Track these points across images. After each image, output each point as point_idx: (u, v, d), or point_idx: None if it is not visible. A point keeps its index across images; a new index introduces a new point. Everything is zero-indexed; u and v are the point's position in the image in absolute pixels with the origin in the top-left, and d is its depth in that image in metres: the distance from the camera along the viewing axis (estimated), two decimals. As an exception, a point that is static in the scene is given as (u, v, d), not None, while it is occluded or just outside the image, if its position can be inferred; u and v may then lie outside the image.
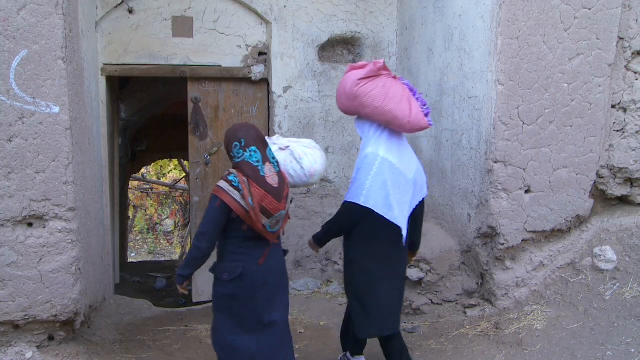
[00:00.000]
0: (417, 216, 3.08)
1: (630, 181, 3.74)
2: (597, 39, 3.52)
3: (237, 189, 2.61)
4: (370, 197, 2.90)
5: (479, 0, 3.64)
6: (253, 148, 2.67)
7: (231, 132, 2.73)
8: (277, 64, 4.93)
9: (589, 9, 3.48)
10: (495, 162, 3.54)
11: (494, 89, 3.51)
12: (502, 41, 3.44)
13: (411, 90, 3.05)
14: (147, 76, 5.08)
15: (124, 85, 6.21)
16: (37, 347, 3.09)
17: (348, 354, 3.33)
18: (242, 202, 2.59)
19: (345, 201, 3.04)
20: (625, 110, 3.69)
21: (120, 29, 4.63)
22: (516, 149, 3.55)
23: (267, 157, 2.71)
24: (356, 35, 5.09)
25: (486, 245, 3.76)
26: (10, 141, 2.89)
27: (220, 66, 4.91)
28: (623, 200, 3.83)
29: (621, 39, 3.60)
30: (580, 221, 3.75)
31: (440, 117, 4.28)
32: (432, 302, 3.99)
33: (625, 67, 3.65)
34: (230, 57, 4.92)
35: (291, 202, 2.90)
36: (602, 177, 3.74)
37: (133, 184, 13.31)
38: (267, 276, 2.73)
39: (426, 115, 3.03)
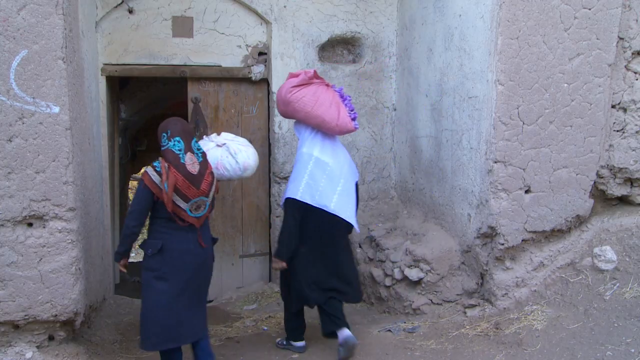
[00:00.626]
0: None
1: (630, 181, 3.74)
2: (597, 39, 3.52)
3: (159, 173, 2.94)
4: (306, 192, 3.35)
5: (479, 0, 3.64)
6: (177, 138, 3.01)
7: (162, 125, 3.08)
8: (277, 64, 4.93)
9: (589, 9, 3.48)
10: (495, 162, 3.54)
11: (494, 89, 3.51)
12: (502, 41, 3.44)
13: (341, 96, 3.50)
14: (147, 76, 5.08)
15: (124, 85, 6.20)
16: (37, 347, 3.09)
17: (284, 340, 3.74)
18: (161, 186, 2.92)
19: (286, 198, 3.42)
20: (625, 110, 3.69)
21: (120, 29, 4.63)
22: (516, 149, 3.55)
23: (190, 147, 3.04)
24: (356, 35, 5.09)
25: (486, 245, 3.76)
26: (10, 141, 2.89)
27: (220, 66, 4.91)
28: (623, 200, 3.83)
29: (621, 39, 3.60)
30: (580, 221, 3.75)
31: (440, 117, 4.28)
32: (432, 302, 3.99)
33: (625, 67, 3.65)
34: (230, 57, 4.92)
35: (217, 192, 3.22)
36: (602, 177, 3.74)
37: (133, 184, 13.28)
38: (186, 256, 3.01)
39: (353, 119, 3.47)
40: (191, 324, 3.09)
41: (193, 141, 3.08)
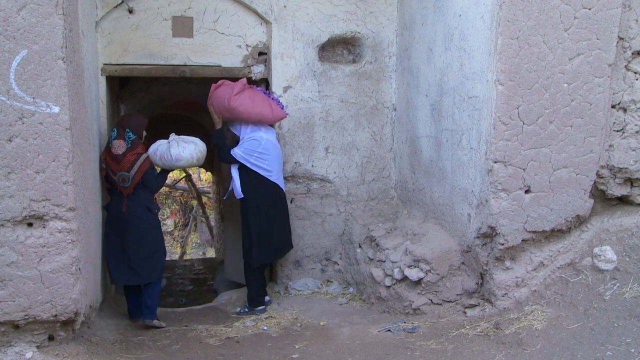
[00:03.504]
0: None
1: (630, 181, 3.74)
2: (597, 39, 3.52)
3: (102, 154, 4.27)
4: (254, 165, 4.53)
5: (479, 0, 3.64)
6: (115, 129, 4.23)
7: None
8: (277, 64, 4.93)
9: (589, 9, 3.48)
10: (495, 162, 3.54)
11: (494, 89, 3.51)
12: (502, 41, 3.44)
13: (267, 94, 4.66)
14: (147, 76, 5.08)
15: (124, 85, 6.20)
16: (37, 347, 3.09)
17: (247, 307, 4.74)
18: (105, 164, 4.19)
19: (231, 152, 4.54)
20: (625, 110, 3.69)
21: (120, 29, 4.63)
22: (516, 149, 3.55)
23: (123, 136, 4.18)
24: (356, 35, 5.09)
25: (486, 245, 3.76)
26: (10, 141, 2.89)
27: (220, 66, 4.91)
28: (623, 200, 3.83)
29: (621, 39, 3.60)
30: (580, 221, 3.75)
31: (440, 117, 4.28)
32: (432, 302, 3.99)
33: (625, 67, 3.65)
34: (230, 57, 4.92)
35: (141, 172, 4.21)
36: (602, 177, 3.74)
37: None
38: (119, 215, 4.20)
39: (282, 108, 4.67)
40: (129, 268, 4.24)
41: (128, 132, 4.19)
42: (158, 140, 4.42)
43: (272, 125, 4.76)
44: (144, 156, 4.24)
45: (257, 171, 4.53)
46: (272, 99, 4.61)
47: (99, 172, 4.20)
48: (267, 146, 4.54)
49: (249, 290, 4.73)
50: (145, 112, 7.13)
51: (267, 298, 4.82)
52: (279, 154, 4.72)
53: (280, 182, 4.72)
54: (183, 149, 4.30)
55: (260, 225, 4.58)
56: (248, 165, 4.50)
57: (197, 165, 4.52)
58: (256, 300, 4.68)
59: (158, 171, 4.52)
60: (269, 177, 4.58)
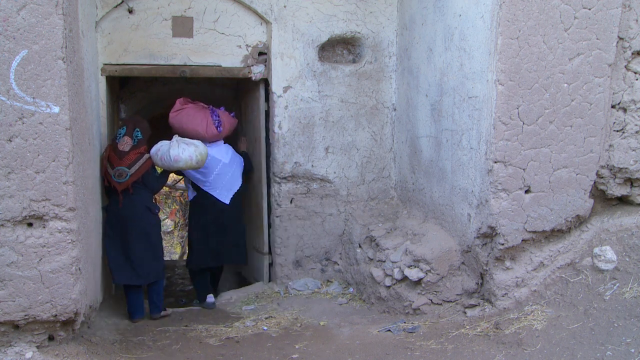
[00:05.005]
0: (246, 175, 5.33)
1: (630, 181, 3.74)
2: (597, 39, 3.52)
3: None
4: (189, 174, 4.95)
5: (479, 0, 3.64)
6: (124, 127, 4.41)
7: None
8: (277, 64, 4.93)
9: (589, 9, 3.48)
10: (495, 162, 3.54)
11: (494, 89, 3.51)
12: (502, 41, 3.44)
13: (212, 111, 4.95)
14: (147, 76, 5.08)
15: (123, 85, 6.20)
16: (37, 347, 3.09)
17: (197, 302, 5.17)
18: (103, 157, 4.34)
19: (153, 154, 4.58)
20: (625, 110, 3.69)
21: (120, 29, 4.63)
22: (516, 149, 3.55)
23: (130, 134, 4.36)
24: (356, 35, 5.09)
25: (486, 245, 3.76)
26: (10, 141, 2.89)
27: (220, 66, 4.91)
28: (623, 200, 3.83)
29: (621, 39, 3.60)
30: (580, 221, 3.75)
31: (440, 117, 4.28)
32: (432, 302, 3.99)
33: (625, 67, 3.64)
34: (230, 57, 4.92)
35: (141, 171, 4.34)
36: (602, 177, 3.74)
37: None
38: (120, 214, 4.29)
39: (217, 127, 4.91)
40: (142, 266, 4.35)
41: (136, 132, 4.38)
42: (161, 141, 4.50)
43: (232, 142, 5.29)
44: (146, 156, 4.38)
45: (193, 180, 5.00)
46: (214, 118, 4.91)
47: (99, 172, 4.21)
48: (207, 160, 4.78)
49: (195, 288, 5.30)
50: (145, 112, 7.14)
51: (210, 298, 4.99)
52: (223, 170, 4.98)
53: (222, 196, 5.01)
54: (182, 151, 4.40)
55: (197, 230, 5.06)
56: (185, 173, 4.97)
57: (197, 168, 4.59)
58: (202, 297, 5.07)
59: (159, 172, 4.63)
60: (202, 187, 4.98)
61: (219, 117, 4.95)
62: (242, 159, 5.25)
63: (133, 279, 4.33)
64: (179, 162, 4.39)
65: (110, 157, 4.26)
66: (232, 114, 5.16)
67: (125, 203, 4.28)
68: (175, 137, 4.49)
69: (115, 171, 4.22)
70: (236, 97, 6.43)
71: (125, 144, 4.30)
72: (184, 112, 4.88)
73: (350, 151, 5.21)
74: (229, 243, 5.10)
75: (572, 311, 3.33)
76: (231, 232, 5.09)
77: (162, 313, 4.53)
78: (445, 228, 4.22)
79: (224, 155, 5.00)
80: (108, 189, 4.33)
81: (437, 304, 3.98)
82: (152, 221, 4.45)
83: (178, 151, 4.38)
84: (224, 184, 5.01)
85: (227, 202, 5.04)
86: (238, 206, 5.17)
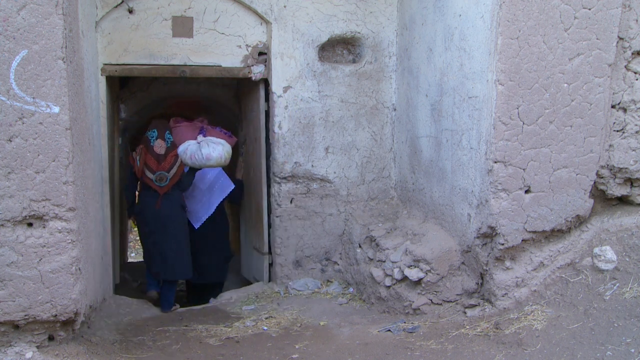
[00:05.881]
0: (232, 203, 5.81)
1: (630, 181, 3.74)
2: (597, 39, 3.52)
3: (138, 153, 4.57)
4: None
5: (479, 0, 3.64)
6: (154, 130, 4.64)
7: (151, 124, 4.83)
8: (277, 64, 4.93)
9: (589, 9, 3.48)
10: (495, 162, 3.54)
11: (494, 89, 3.51)
12: (502, 41, 3.44)
13: (202, 129, 5.18)
14: (147, 76, 5.08)
15: (124, 85, 6.20)
16: (37, 347, 3.09)
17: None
18: (136, 159, 4.54)
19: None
20: (625, 110, 3.69)
21: (120, 29, 4.63)
22: (516, 149, 3.55)
23: (163, 136, 4.64)
24: (356, 35, 5.09)
25: (486, 245, 3.76)
26: (10, 141, 2.89)
27: (220, 66, 4.91)
28: (623, 200, 3.83)
29: (621, 39, 3.60)
30: (580, 221, 3.75)
31: (440, 117, 4.28)
32: (432, 302, 3.99)
33: (625, 67, 3.64)
34: (230, 57, 4.92)
35: (179, 173, 4.66)
36: (602, 177, 3.74)
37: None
38: (152, 212, 4.57)
39: (230, 137, 5.27)
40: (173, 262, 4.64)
41: (167, 133, 4.64)
42: (187, 141, 4.75)
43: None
44: (179, 159, 4.65)
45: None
46: (202, 134, 5.06)
47: (99, 172, 4.20)
48: None
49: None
50: (145, 112, 7.13)
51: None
52: (197, 195, 5.22)
53: (191, 218, 5.19)
54: (213, 149, 4.65)
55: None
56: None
57: (224, 165, 4.88)
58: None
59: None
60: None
61: (204, 132, 5.16)
62: (231, 188, 5.30)
63: (170, 274, 4.67)
64: (211, 160, 4.62)
65: (148, 161, 4.47)
66: (228, 133, 5.30)
67: (164, 204, 4.56)
68: (201, 137, 4.74)
69: (156, 176, 4.49)
70: (236, 97, 6.43)
71: (160, 147, 4.55)
72: (176, 131, 5.14)
73: (350, 151, 5.21)
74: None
75: (572, 311, 3.33)
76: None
77: (173, 309, 4.77)
78: (445, 228, 4.22)
79: (203, 181, 5.20)
80: (139, 189, 4.65)
81: (437, 304, 3.98)
82: (185, 220, 4.76)
83: (209, 150, 4.61)
84: (196, 208, 5.21)
85: (196, 226, 5.20)
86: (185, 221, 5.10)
